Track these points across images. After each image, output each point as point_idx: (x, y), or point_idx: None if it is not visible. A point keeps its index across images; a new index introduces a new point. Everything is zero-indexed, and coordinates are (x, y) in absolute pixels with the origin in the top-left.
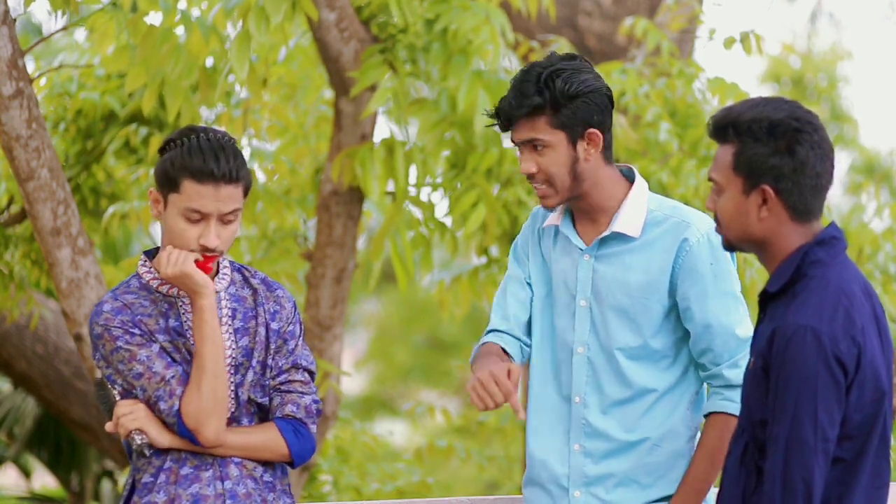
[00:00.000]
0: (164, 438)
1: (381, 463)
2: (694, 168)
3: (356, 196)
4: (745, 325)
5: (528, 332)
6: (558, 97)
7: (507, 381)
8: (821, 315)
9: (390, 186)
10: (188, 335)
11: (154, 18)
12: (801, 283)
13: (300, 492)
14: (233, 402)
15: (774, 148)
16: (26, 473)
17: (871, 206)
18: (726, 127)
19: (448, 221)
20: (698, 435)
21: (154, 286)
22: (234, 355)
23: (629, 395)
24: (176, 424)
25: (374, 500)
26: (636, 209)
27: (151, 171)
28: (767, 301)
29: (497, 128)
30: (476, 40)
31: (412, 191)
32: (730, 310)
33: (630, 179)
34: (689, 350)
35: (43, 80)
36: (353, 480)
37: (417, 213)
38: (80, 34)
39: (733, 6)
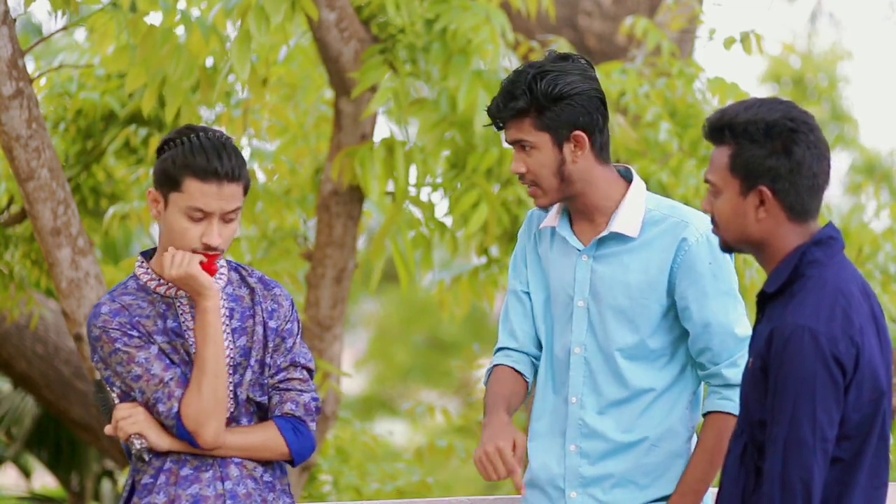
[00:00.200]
0: (163, 442)
1: (381, 463)
2: (694, 168)
3: (356, 196)
4: (743, 324)
5: (539, 344)
6: (541, 99)
7: (512, 458)
8: (818, 315)
9: (390, 186)
10: (186, 336)
11: (154, 18)
12: (798, 283)
13: (300, 492)
14: (231, 401)
15: (771, 149)
16: (26, 473)
17: (871, 206)
18: (722, 129)
19: (448, 221)
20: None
21: (151, 287)
22: (232, 355)
23: (626, 395)
24: (175, 426)
25: (374, 500)
26: (634, 209)
27: (151, 171)
28: (765, 301)
29: (494, 127)
30: (476, 40)
31: (412, 191)
32: (728, 309)
33: (628, 179)
34: (687, 349)
35: (43, 80)
36: (353, 480)
37: (417, 213)
38: (80, 34)
39: (733, 6)
